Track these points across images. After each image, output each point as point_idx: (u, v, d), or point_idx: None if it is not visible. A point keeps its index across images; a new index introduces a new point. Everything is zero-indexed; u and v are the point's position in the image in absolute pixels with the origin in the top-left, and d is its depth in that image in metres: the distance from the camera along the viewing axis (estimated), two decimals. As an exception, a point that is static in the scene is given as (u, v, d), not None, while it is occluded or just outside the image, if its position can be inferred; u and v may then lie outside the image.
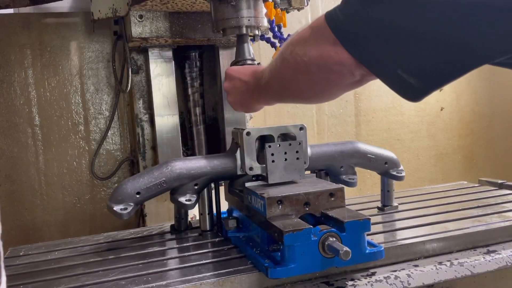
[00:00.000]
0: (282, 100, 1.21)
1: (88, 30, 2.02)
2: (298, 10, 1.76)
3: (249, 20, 1.46)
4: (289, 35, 1.53)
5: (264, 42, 1.64)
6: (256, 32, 1.51)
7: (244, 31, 1.48)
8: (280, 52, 1.04)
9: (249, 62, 1.45)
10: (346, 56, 0.85)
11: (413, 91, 0.82)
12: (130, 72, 1.78)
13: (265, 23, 1.51)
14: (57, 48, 2.00)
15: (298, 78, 0.99)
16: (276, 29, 1.51)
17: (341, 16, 0.85)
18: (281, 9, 1.56)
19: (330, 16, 0.88)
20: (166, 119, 1.77)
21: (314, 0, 2.36)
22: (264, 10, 1.49)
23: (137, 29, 1.65)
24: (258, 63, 1.47)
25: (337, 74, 0.91)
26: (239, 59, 1.46)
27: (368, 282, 1.05)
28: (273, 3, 1.48)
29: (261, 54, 2.21)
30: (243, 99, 1.34)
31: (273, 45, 1.58)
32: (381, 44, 0.81)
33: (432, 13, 0.73)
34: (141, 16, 1.64)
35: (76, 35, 2.02)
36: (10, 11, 1.89)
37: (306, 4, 1.72)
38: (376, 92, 2.55)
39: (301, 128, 1.27)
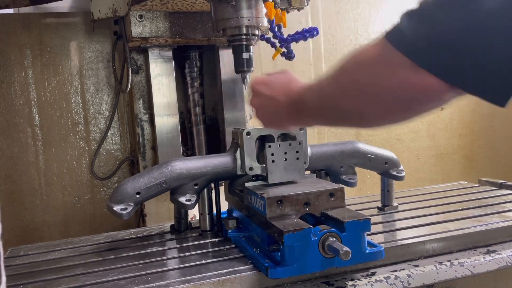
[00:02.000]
0: (332, 125, 1.13)
1: (88, 30, 2.02)
2: (298, 10, 1.76)
3: (249, 20, 1.46)
4: (289, 35, 1.53)
5: (264, 42, 1.64)
6: (256, 32, 1.51)
7: (244, 31, 1.48)
8: (333, 78, 0.91)
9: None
10: (432, 80, 0.76)
11: (500, 95, 0.76)
12: (130, 72, 1.78)
13: (265, 23, 1.51)
14: (57, 48, 2.00)
15: (363, 109, 0.89)
16: (276, 29, 1.51)
17: (412, 36, 0.76)
18: (281, 9, 1.56)
19: (395, 38, 0.78)
20: (166, 119, 1.77)
21: (314, 0, 2.36)
22: (264, 10, 1.49)
23: (137, 29, 1.64)
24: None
25: (420, 102, 0.81)
26: (242, 69, 1.49)
27: (368, 282, 1.05)
28: (273, 3, 1.48)
29: (261, 54, 2.20)
30: (277, 118, 1.17)
31: (273, 45, 1.58)
32: (468, 61, 0.73)
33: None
34: (141, 16, 1.64)
35: (76, 35, 2.02)
36: (10, 11, 1.89)
37: (306, 4, 1.72)
38: (376, 92, 2.54)
39: (301, 128, 1.27)
